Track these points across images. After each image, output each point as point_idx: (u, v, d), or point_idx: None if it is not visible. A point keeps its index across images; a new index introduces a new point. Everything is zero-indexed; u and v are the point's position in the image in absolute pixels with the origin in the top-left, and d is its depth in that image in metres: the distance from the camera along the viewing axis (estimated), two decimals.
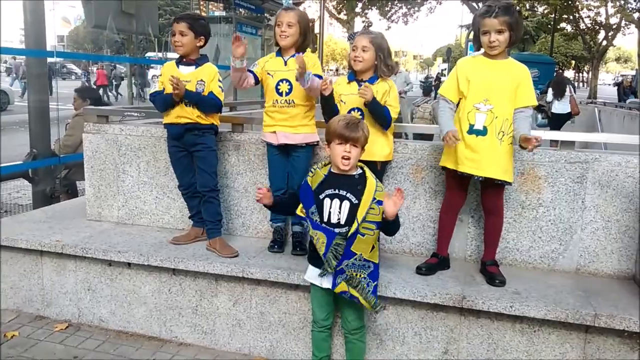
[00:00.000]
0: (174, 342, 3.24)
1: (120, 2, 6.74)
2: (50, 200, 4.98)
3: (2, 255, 3.51)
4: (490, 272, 2.91)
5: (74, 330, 3.33)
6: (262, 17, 13.77)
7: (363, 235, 2.44)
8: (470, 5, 24.82)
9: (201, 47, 3.19)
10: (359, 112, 2.96)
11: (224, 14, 12.92)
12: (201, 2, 15.34)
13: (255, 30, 12.54)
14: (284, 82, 3.06)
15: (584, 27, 29.49)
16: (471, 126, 2.77)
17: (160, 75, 3.30)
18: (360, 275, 2.48)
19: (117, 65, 24.83)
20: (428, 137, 6.52)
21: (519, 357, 2.75)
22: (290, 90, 3.05)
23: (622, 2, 23.49)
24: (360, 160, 2.56)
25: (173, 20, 3.19)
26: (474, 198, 3.12)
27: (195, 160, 3.22)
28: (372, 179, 2.49)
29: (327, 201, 2.49)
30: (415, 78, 59.35)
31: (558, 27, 31.47)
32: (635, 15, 24.17)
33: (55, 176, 5.16)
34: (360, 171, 2.53)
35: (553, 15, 27.79)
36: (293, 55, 3.03)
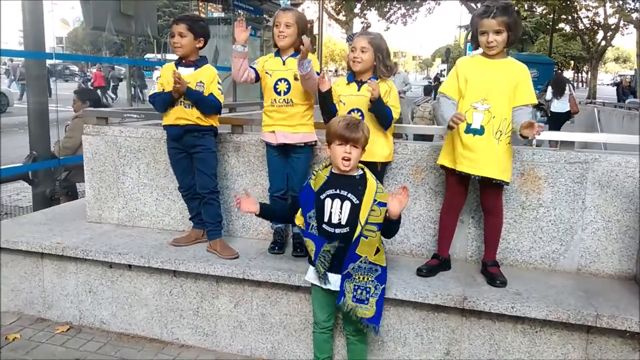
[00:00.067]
0: (175, 344, 3.24)
1: (119, 3, 6.74)
2: (51, 202, 4.98)
3: (3, 258, 3.50)
4: (491, 272, 2.91)
5: (75, 333, 3.32)
6: (261, 18, 13.77)
7: (366, 237, 2.45)
8: (469, 6, 24.85)
9: (200, 48, 3.19)
10: (359, 113, 2.96)
11: (222, 15, 12.92)
12: (200, 4, 15.33)
13: (254, 32, 12.53)
14: (282, 81, 3.06)
15: (583, 28, 29.52)
16: (468, 125, 2.77)
17: (160, 77, 3.30)
18: (367, 279, 2.48)
19: (116, 67, 24.85)
20: (428, 137, 6.53)
21: (520, 358, 2.74)
22: (289, 89, 3.05)
23: (621, 2, 23.52)
24: (360, 161, 2.57)
25: (172, 21, 3.19)
26: (474, 199, 3.12)
27: (195, 162, 3.22)
28: (372, 181, 2.50)
29: (328, 201, 2.49)
30: (415, 79, 59.43)
31: (557, 27, 31.51)
32: (634, 15, 24.20)
33: (55, 178, 5.16)
34: (361, 172, 2.54)
35: (552, 16, 27.82)
36: (292, 55, 3.03)
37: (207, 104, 3.11)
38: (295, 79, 3.00)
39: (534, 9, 30.62)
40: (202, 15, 13.38)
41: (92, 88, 19.05)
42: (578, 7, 27.61)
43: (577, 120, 11.53)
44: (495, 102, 2.74)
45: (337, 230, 2.49)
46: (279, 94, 3.07)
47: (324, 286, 2.56)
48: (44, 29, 4.99)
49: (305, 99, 3.10)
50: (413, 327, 2.87)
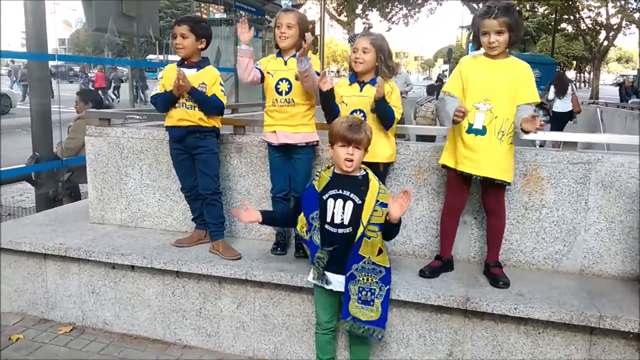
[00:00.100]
0: (178, 345, 3.24)
1: (121, 4, 6.75)
2: (53, 203, 4.98)
3: (7, 259, 3.51)
4: (494, 273, 2.91)
5: (78, 333, 3.33)
6: (263, 19, 13.78)
7: (369, 238, 2.45)
8: (471, 6, 24.81)
9: (202, 49, 3.20)
10: (361, 114, 2.96)
11: (224, 16, 12.93)
12: (202, 5, 15.35)
13: (255, 33, 12.53)
14: (284, 81, 3.06)
15: (585, 28, 29.46)
16: (470, 125, 2.77)
17: (162, 78, 3.31)
18: (371, 280, 2.49)
19: (118, 68, 24.88)
20: (430, 138, 6.53)
21: (524, 359, 2.74)
22: (290, 89, 3.05)
23: (623, 2, 23.48)
24: (363, 162, 2.57)
25: (174, 22, 3.19)
26: (476, 200, 3.12)
27: (197, 163, 3.22)
28: (374, 181, 2.50)
29: (330, 201, 2.50)
30: (416, 79, 59.33)
31: (559, 27, 31.44)
32: (636, 15, 24.16)
33: (58, 179, 5.17)
34: (364, 172, 2.54)
35: (554, 16, 27.78)
36: (293, 56, 3.03)
37: (210, 105, 3.11)
38: (297, 78, 3.00)
39: (536, 9, 30.58)
40: (204, 17, 13.40)
41: (93, 89, 19.08)
42: (580, 7, 27.55)
43: (580, 120, 11.50)
44: (497, 102, 2.74)
45: (340, 231, 2.49)
46: (280, 93, 3.07)
47: (325, 286, 2.56)
48: (46, 30, 5.00)
49: (307, 99, 3.10)
50: (416, 328, 2.87)
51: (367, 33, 3.10)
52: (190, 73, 3.12)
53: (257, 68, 3.11)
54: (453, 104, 2.77)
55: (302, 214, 2.58)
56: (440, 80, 22.32)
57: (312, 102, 3.15)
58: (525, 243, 3.13)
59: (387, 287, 2.53)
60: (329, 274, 2.55)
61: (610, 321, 2.54)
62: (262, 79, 3.14)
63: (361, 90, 3.00)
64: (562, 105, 10.31)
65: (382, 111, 2.90)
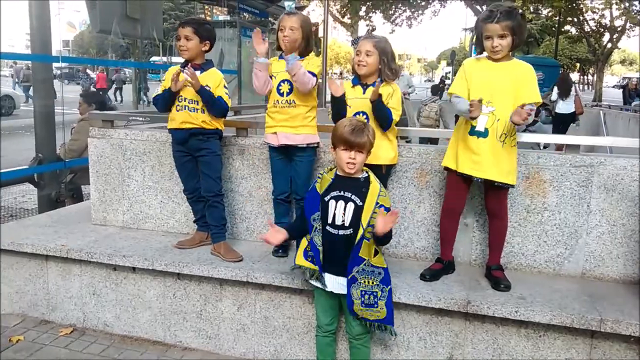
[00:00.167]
0: (178, 347, 3.24)
1: (125, 6, 6.77)
2: (56, 204, 5.00)
3: (8, 260, 3.52)
4: (495, 276, 2.90)
5: (78, 335, 3.33)
6: (266, 21, 13.81)
7: (368, 239, 2.46)
8: (474, 8, 24.82)
9: (206, 51, 3.20)
10: (364, 116, 2.96)
11: (228, 18, 12.95)
12: (206, 7, 15.38)
13: None
14: (285, 82, 3.06)
15: (589, 30, 29.42)
16: (473, 127, 2.77)
17: (164, 80, 3.32)
18: (372, 282, 2.49)
19: (121, 70, 24.98)
20: (433, 140, 6.52)
21: None
22: (291, 90, 3.05)
23: (627, 4, 23.43)
24: (365, 164, 2.57)
25: (178, 24, 3.20)
26: (478, 202, 3.12)
27: (200, 165, 3.23)
28: (375, 183, 2.50)
29: (332, 203, 2.51)
30: (420, 81, 59.31)
31: (562, 29, 31.40)
32: None
33: (60, 180, 5.19)
34: (366, 175, 2.54)
35: (557, 18, 27.74)
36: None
37: (216, 105, 3.12)
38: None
39: (540, 12, 30.56)
40: (208, 18, 13.43)
41: (95, 90, 19.16)
42: (584, 10, 27.52)
43: (583, 123, 11.46)
44: (500, 105, 2.73)
45: (341, 232, 2.49)
46: (281, 95, 3.08)
47: (319, 285, 2.57)
48: (50, 32, 5.02)
49: (308, 100, 3.10)
50: (416, 331, 2.86)
51: (371, 36, 3.10)
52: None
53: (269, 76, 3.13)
54: (464, 102, 2.77)
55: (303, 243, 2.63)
56: (442, 82, 22.33)
57: (314, 103, 3.16)
58: (526, 246, 3.12)
59: (389, 287, 2.54)
60: (329, 276, 2.56)
61: (611, 325, 2.53)
62: None
63: (364, 93, 3.00)
64: (564, 107, 10.28)
65: (378, 112, 2.90)
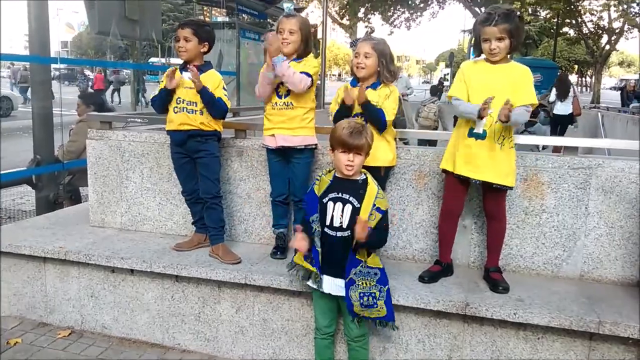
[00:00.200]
0: (176, 349, 3.24)
1: (123, 8, 6.76)
2: (54, 206, 4.99)
3: (6, 262, 3.51)
4: (494, 278, 2.90)
5: (77, 337, 3.33)
6: (265, 23, 13.80)
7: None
8: (473, 10, 24.85)
9: (205, 53, 3.20)
10: (362, 118, 2.96)
11: (227, 19, 12.95)
12: (205, 8, 15.38)
13: (258, 36, 12.56)
14: (283, 84, 3.06)
15: (587, 32, 29.46)
16: (471, 129, 2.77)
17: (162, 81, 3.31)
18: (370, 284, 2.49)
19: (121, 71, 24.94)
20: (432, 142, 6.53)
21: None
22: (289, 92, 3.05)
23: (625, 6, 23.48)
24: (364, 166, 2.58)
25: (177, 26, 3.20)
26: (476, 204, 3.12)
27: (198, 167, 3.22)
28: (373, 185, 2.51)
29: (330, 204, 2.51)
30: (418, 83, 59.39)
31: (561, 31, 31.43)
32: (638, 19, 24.16)
33: (58, 182, 5.17)
34: (364, 176, 2.55)
35: (556, 20, 27.79)
36: (294, 60, 3.04)
37: (217, 106, 3.12)
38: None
39: (538, 13, 30.60)
40: (207, 20, 13.42)
41: (93, 91, 19.15)
42: (582, 11, 27.56)
43: (581, 124, 11.46)
44: (498, 107, 2.72)
45: (339, 234, 2.50)
46: (279, 97, 3.08)
47: (322, 290, 2.56)
48: (49, 33, 5.01)
49: (306, 102, 3.10)
50: (415, 333, 2.86)
51: (369, 38, 3.11)
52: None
53: None
54: (466, 105, 2.77)
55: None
56: (441, 83, 22.36)
57: (312, 105, 3.16)
58: (525, 248, 3.12)
59: (386, 287, 2.54)
60: (327, 278, 2.56)
61: (609, 327, 2.53)
62: None
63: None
64: (562, 108, 10.29)
65: (369, 114, 2.88)
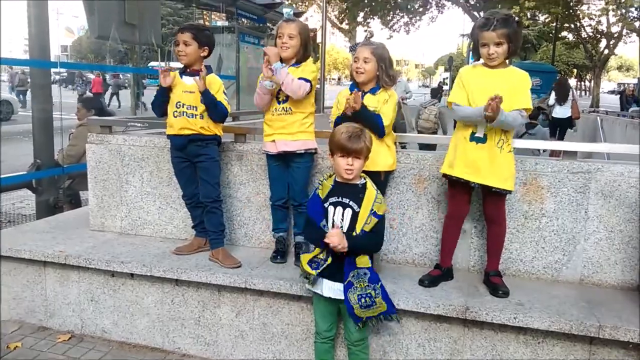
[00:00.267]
0: (176, 353, 3.23)
1: (123, 12, 6.77)
2: (54, 210, 4.99)
3: (6, 266, 3.51)
4: (494, 282, 2.90)
5: (76, 341, 3.32)
6: (265, 27, 13.84)
7: None
8: (472, 15, 24.92)
9: (205, 57, 3.21)
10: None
11: (226, 24, 12.98)
12: (204, 12, 15.42)
13: (257, 40, 12.60)
14: (283, 90, 3.06)
15: (586, 36, 29.54)
16: (472, 134, 2.78)
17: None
18: (364, 285, 2.49)
19: (120, 75, 24.96)
20: (433, 146, 6.54)
21: None
22: (287, 98, 3.06)
23: (623, 11, 23.54)
24: (364, 171, 2.58)
25: (177, 30, 3.21)
26: (476, 208, 3.12)
27: (198, 171, 3.23)
28: (372, 189, 2.52)
29: (331, 209, 2.52)
30: (416, 87, 59.51)
31: (560, 35, 31.53)
32: (637, 24, 24.21)
33: (58, 186, 5.18)
34: (364, 181, 2.55)
35: (554, 24, 27.86)
36: (293, 65, 3.05)
37: (218, 109, 3.13)
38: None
39: (537, 17, 30.66)
40: (206, 24, 13.46)
41: (91, 94, 19.16)
42: (581, 16, 27.62)
43: (580, 128, 11.48)
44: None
45: None
46: (279, 102, 3.09)
47: (312, 288, 2.58)
48: (49, 38, 5.03)
49: (305, 107, 3.11)
50: (415, 337, 2.86)
51: (368, 42, 3.11)
52: (192, 81, 3.14)
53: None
54: (466, 108, 2.77)
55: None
56: (440, 87, 22.43)
57: (311, 109, 3.16)
58: (524, 252, 3.12)
59: (379, 284, 2.53)
60: (326, 282, 2.56)
61: (609, 331, 2.53)
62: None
63: (362, 99, 3.00)
64: (561, 111, 10.31)
65: (364, 120, 2.83)
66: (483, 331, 2.76)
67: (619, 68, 78.74)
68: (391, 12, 27.48)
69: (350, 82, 3.15)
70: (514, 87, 2.75)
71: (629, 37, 29.06)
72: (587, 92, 52.66)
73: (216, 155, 3.25)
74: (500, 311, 2.65)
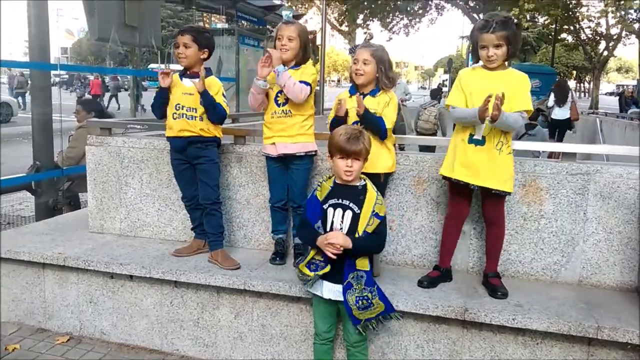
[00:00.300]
0: (175, 355, 3.23)
1: (123, 14, 6.78)
2: (53, 212, 4.99)
3: (5, 268, 3.51)
4: (493, 284, 2.91)
5: (75, 343, 3.32)
6: (264, 29, 13.87)
7: None
8: (471, 17, 24.96)
9: (205, 59, 3.22)
10: (362, 125, 2.96)
11: (226, 26, 13.01)
12: (204, 15, 15.44)
13: (257, 43, 12.62)
14: (282, 93, 3.07)
15: (585, 38, 29.58)
16: (471, 136, 2.78)
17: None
18: (361, 287, 2.49)
19: (119, 77, 24.98)
20: (433, 148, 6.54)
21: None
22: (287, 100, 3.06)
23: (623, 13, 23.56)
24: (364, 173, 2.59)
25: (177, 32, 3.22)
26: (475, 210, 3.13)
27: (198, 173, 3.23)
28: (372, 191, 2.52)
29: (330, 210, 2.52)
30: (416, 89, 59.57)
31: (559, 37, 31.56)
32: (636, 25, 24.25)
33: (58, 188, 5.18)
34: (363, 182, 2.56)
35: (554, 26, 27.89)
36: (292, 67, 3.05)
37: (217, 110, 3.13)
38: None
39: (537, 19, 30.68)
40: (206, 26, 13.48)
41: (90, 96, 19.18)
42: (580, 18, 27.66)
43: (579, 130, 11.49)
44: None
45: None
46: (278, 105, 3.09)
47: (313, 291, 2.57)
48: (49, 40, 5.03)
49: (305, 109, 3.11)
50: (414, 338, 2.86)
51: (368, 44, 3.12)
52: (191, 83, 3.14)
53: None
54: (463, 110, 2.78)
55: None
56: (440, 89, 22.47)
57: (310, 112, 3.17)
58: (523, 253, 3.13)
59: (375, 287, 2.53)
60: (326, 283, 2.56)
61: (608, 332, 2.53)
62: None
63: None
64: (560, 113, 10.32)
65: (368, 123, 2.87)
66: (482, 332, 2.76)
67: (618, 70, 78.83)
68: (391, 14, 27.52)
69: (350, 85, 3.16)
70: (514, 89, 2.75)
71: (628, 39, 29.09)
72: (587, 94, 52.73)
73: (216, 157, 3.25)
74: (499, 312, 2.66)
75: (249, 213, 3.54)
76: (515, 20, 2.78)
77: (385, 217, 2.54)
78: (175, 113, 3.15)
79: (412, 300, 2.77)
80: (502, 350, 2.75)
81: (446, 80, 39.76)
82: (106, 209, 3.81)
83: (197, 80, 3.05)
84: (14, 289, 3.53)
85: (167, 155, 3.43)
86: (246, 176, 3.51)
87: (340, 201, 2.51)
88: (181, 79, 3.19)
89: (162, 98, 3.17)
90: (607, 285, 3.05)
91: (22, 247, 3.46)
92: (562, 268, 3.09)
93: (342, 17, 28.22)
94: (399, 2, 26.21)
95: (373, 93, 3.00)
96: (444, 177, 2.97)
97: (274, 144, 3.12)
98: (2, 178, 4.80)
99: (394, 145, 3.20)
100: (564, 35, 31.83)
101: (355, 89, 3.07)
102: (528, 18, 27.49)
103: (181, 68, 3.23)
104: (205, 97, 3.07)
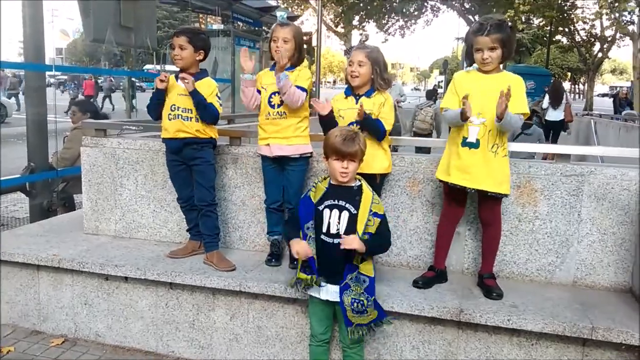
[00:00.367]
0: (170, 357, 3.23)
1: (119, 15, 6.77)
2: (48, 213, 4.97)
3: None
4: (488, 285, 2.91)
5: (70, 345, 3.31)
6: (260, 31, 13.87)
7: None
8: (467, 18, 25.06)
9: (200, 61, 3.21)
10: (358, 126, 2.97)
11: (222, 27, 13.01)
12: (200, 16, 15.44)
13: (253, 44, 12.62)
14: (276, 94, 3.07)
15: (580, 40, 29.76)
16: (464, 139, 2.79)
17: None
18: (360, 290, 2.49)
19: (113, 78, 24.92)
20: (426, 150, 6.56)
21: None
22: (282, 102, 3.07)
23: (617, 15, 23.71)
24: (360, 174, 2.59)
25: (173, 33, 3.21)
26: (470, 211, 3.13)
27: (194, 174, 3.23)
28: (368, 191, 2.52)
29: (326, 212, 2.52)
30: (410, 90, 59.72)
31: (554, 39, 31.74)
32: (630, 27, 24.40)
33: (52, 189, 5.16)
34: (359, 183, 2.56)
35: (549, 28, 28.05)
36: (287, 69, 3.06)
37: (207, 110, 3.12)
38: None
39: (532, 21, 30.85)
40: (202, 27, 13.47)
41: (84, 97, 19.13)
42: (575, 20, 27.84)
43: (574, 132, 11.54)
44: (491, 116, 2.75)
45: (336, 241, 2.49)
46: (272, 107, 3.09)
47: (319, 295, 2.57)
48: (44, 41, 5.01)
49: (299, 111, 3.11)
50: (409, 339, 2.86)
51: (363, 46, 3.13)
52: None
53: (257, 91, 3.15)
54: (450, 111, 2.80)
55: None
56: (435, 90, 22.53)
57: (305, 113, 3.17)
58: (518, 254, 3.14)
59: (373, 297, 2.53)
60: (323, 284, 2.56)
61: (602, 333, 2.54)
62: None
63: (357, 103, 3.02)
64: (554, 114, 10.38)
65: (369, 127, 2.91)
66: (477, 333, 2.76)
67: (613, 71, 79.23)
68: (386, 16, 27.61)
69: (345, 86, 3.16)
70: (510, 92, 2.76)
71: (623, 40, 29.29)
72: (581, 95, 52.96)
73: (211, 158, 3.25)
74: (494, 313, 2.66)
75: (245, 214, 3.54)
76: (510, 23, 2.79)
77: (385, 215, 2.54)
78: (171, 114, 3.14)
79: (407, 301, 2.78)
80: (497, 351, 2.75)
81: (442, 81, 39.86)
82: (101, 210, 3.80)
83: (187, 80, 3.04)
84: (8, 291, 3.51)
85: (162, 156, 3.43)
86: (242, 177, 3.51)
87: (336, 202, 2.52)
88: (177, 80, 3.18)
89: (158, 100, 3.17)
90: (601, 286, 3.06)
91: (16, 248, 3.44)
92: (556, 269, 3.10)
93: (338, 19, 28.28)
94: (394, 4, 26.27)
95: (368, 94, 3.01)
96: (440, 181, 2.98)
97: (268, 144, 3.12)
98: None
99: (390, 146, 3.21)
100: (558, 37, 32.03)
101: (350, 91, 3.08)
102: (523, 20, 27.63)
103: (177, 69, 3.22)
104: (195, 96, 3.07)
